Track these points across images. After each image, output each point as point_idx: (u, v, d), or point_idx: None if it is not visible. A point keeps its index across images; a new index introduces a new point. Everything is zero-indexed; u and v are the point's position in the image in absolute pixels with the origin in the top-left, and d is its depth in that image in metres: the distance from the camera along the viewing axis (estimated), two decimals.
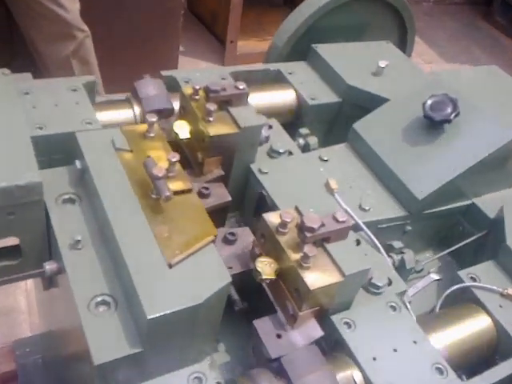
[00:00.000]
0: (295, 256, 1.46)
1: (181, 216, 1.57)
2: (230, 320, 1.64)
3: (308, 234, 1.44)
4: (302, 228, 1.45)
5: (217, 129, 1.82)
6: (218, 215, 1.89)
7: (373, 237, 1.81)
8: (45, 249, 1.75)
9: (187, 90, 1.93)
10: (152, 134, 1.80)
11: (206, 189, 1.83)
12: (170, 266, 1.43)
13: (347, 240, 1.54)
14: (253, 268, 1.51)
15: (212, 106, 1.81)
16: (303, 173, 1.99)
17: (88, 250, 1.56)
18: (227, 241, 1.71)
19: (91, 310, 1.42)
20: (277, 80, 2.52)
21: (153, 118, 1.76)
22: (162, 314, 1.31)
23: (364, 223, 1.84)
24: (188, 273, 1.42)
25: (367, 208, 1.90)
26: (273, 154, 2.07)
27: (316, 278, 1.42)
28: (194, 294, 1.37)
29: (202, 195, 1.81)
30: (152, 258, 1.44)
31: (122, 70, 5.26)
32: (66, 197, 1.71)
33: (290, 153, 2.12)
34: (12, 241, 1.75)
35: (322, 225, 1.46)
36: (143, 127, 1.80)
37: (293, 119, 2.45)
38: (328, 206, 1.86)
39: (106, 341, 1.36)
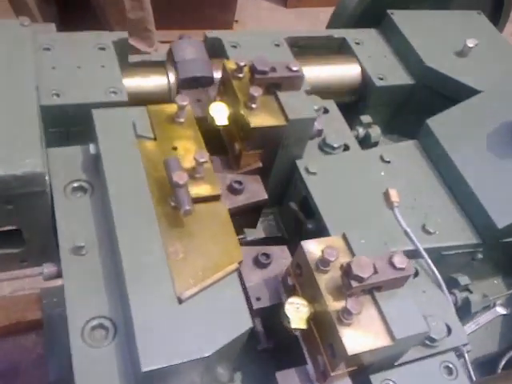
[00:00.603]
0: (335, 305, 1.17)
1: (202, 231, 1.30)
2: (251, 348, 1.40)
3: (354, 284, 1.14)
4: (348, 274, 1.15)
5: (260, 119, 1.50)
6: (249, 215, 1.61)
7: (434, 268, 1.49)
8: (51, 241, 1.53)
9: (230, 64, 1.59)
10: (182, 120, 1.50)
11: (239, 184, 1.54)
12: (180, 302, 1.17)
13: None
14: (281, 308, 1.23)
15: (256, 91, 1.48)
16: (359, 176, 1.66)
17: (92, 258, 1.32)
18: (259, 263, 1.42)
19: (85, 336, 1.20)
20: (341, 50, 2.13)
21: (184, 101, 1.45)
22: (159, 367, 1.07)
23: (426, 249, 1.51)
24: (200, 312, 1.16)
25: (432, 230, 1.56)
26: (325, 147, 1.74)
27: (357, 338, 1.14)
28: (203, 343, 1.12)
29: (233, 190, 1.52)
30: (160, 287, 1.18)
31: (177, 4, 4.93)
32: (77, 185, 1.46)
33: (346, 147, 1.78)
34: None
35: (375, 272, 1.16)
36: (172, 108, 1.50)
37: (354, 100, 2.08)
38: (385, 224, 1.55)
39: (95, 380, 1.15)
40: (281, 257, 1.47)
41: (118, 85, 1.68)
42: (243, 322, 1.17)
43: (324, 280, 1.21)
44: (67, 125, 1.64)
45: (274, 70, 1.53)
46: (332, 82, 2.01)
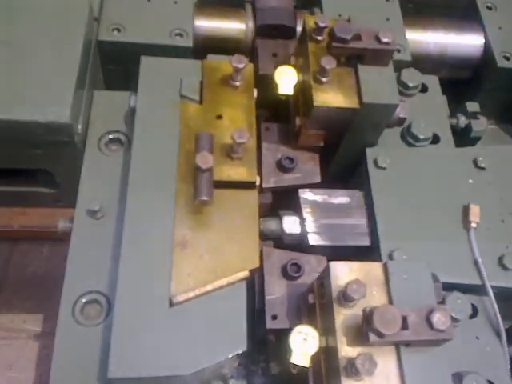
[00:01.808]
0: (347, 351, 0.97)
1: (221, 223, 1.13)
2: None
3: (372, 338, 0.93)
4: (368, 324, 0.93)
5: (327, 97, 1.25)
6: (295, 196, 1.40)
7: (498, 314, 1.21)
8: None
9: (310, 21, 1.32)
10: (237, 83, 1.29)
11: (290, 161, 1.33)
12: (171, 304, 1.04)
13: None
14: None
15: (329, 63, 1.22)
16: (438, 181, 1.36)
17: (106, 223, 1.21)
18: (287, 275, 1.23)
19: (76, 310, 1.11)
20: (465, 14, 1.73)
21: (239, 63, 1.24)
22: (128, 377, 0.97)
23: (495, 288, 1.23)
24: (191, 322, 1.03)
25: (510, 266, 1.25)
26: (408, 137, 1.44)
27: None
28: (184, 359, 0.99)
29: (281, 168, 1.32)
30: (154, 281, 1.05)
31: None
32: (113, 136, 1.34)
33: (436, 139, 1.47)
34: None
35: (403, 328, 0.93)
36: (229, 68, 1.29)
37: (465, 79, 1.70)
38: (452, 247, 1.27)
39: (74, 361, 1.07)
40: (315, 270, 1.26)
41: (186, 26, 1.50)
42: (237, 343, 1.02)
43: (343, 316, 1.00)
44: (126, 63, 1.51)
45: (357, 38, 1.25)
46: (443, 53, 1.66)
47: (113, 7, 1.50)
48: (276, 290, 1.22)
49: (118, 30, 1.47)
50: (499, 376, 1.17)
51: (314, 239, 1.29)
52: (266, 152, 1.36)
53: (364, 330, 0.95)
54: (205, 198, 1.07)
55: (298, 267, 1.22)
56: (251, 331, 1.31)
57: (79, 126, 1.30)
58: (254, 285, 1.24)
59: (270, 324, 1.18)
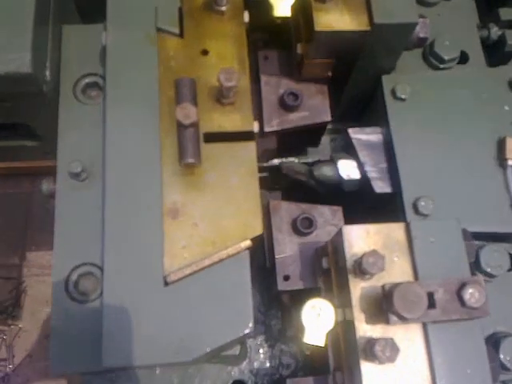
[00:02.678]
0: (366, 330, 0.85)
1: (216, 184, 0.97)
2: None
3: (393, 320, 0.79)
4: (388, 305, 0.80)
5: (331, 19, 1.03)
6: (305, 135, 1.23)
7: None
8: None
9: None
10: (222, 8, 1.07)
11: (295, 97, 1.14)
12: (166, 284, 0.91)
13: None
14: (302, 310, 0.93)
15: None
16: (468, 109, 1.16)
17: (91, 185, 1.06)
18: (298, 231, 1.09)
19: (70, 286, 1.01)
20: None
21: None
22: (122, 366, 0.87)
23: None
24: (189, 302, 0.90)
25: None
26: (432, 58, 1.22)
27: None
28: (183, 344, 0.88)
29: (285, 106, 1.14)
30: (143, 258, 0.92)
31: None
32: (90, 80, 1.15)
33: (464, 57, 1.24)
34: None
35: (430, 306, 0.80)
36: None
37: None
38: (486, 189, 1.11)
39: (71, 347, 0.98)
40: (330, 222, 1.12)
41: None
42: (242, 323, 0.90)
43: (360, 289, 0.87)
44: None
45: None
46: None
47: None
48: (287, 248, 1.09)
49: None
50: None
51: (378, 186, 1.14)
52: (265, 87, 1.17)
53: (384, 310, 0.81)
54: (191, 160, 0.90)
55: (309, 221, 1.08)
56: (266, 286, 1.21)
57: (47, 73, 1.11)
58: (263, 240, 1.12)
59: (281, 285, 1.07)
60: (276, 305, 1.30)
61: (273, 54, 1.21)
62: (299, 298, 1.06)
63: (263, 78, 1.18)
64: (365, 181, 1.16)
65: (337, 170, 1.16)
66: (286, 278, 1.05)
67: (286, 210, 1.11)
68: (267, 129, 1.13)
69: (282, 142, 1.21)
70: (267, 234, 1.11)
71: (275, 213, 1.11)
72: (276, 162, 1.30)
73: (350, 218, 1.11)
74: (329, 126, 1.32)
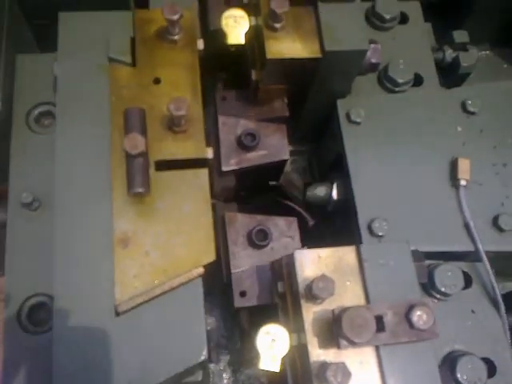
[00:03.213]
0: (319, 354, 0.85)
1: (168, 212, 0.97)
2: None
3: (343, 344, 0.80)
4: (338, 330, 0.80)
5: (282, 47, 1.05)
6: (263, 176, 1.24)
7: (494, 282, 1.07)
8: None
9: None
10: (175, 37, 1.08)
11: (252, 137, 1.15)
12: (117, 314, 0.90)
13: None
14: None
15: (281, 6, 1.00)
16: (421, 131, 1.18)
17: (44, 214, 1.06)
18: (253, 243, 1.09)
19: (23, 317, 1.00)
20: None
21: (173, 14, 1.02)
22: None
23: (490, 253, 1.09)
24: (141, 330, 0.89)
25: (506, 227, 1.10)
26: (386, 81, 1.24)
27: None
28: (135, 376, 0.87)
29: (243, 145, 1.14)
30: (94, 289, 0.91)
31: None
32: (43, 110, 1.15)
33: (418, 80, 1.27)
34: None
35: (379, 330, 0.80)
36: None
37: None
38: (439, 209, 1.12)
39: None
40: (285, 234, 1.12)
41: None
42: (196, 352, 0.89)
43: (312, 314, 0.87)
44: (54, 16, 1.28)
45: None
46: None
47: None
48: (243, 262, 1.09)
49: None
50: (498, 351, 1.05)
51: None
52: (223, 128, 1.17)
53: (334, 334, 0.81)
54: (139, 190, 0.90)
55: (264, 234, 1.09)
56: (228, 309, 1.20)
57: None
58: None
59: (238, 302, 1.06)
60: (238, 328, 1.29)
61: (231, 94, 1.21)
62: (257, 320, 1.05)
63: (221, 119, 1.18)
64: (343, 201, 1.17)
65: (330, 190, 1.17)
66: (243, 293, 1.05)
67: (242, 222, 1.11)
68: (225, 168, 1.14)
69: (242, 181, 1.21)
70: (223, 249, 1.11)
71: (231, 225, 1.11)
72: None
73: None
74: (289, 148, 1.32)
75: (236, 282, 1.06)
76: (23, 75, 1.18)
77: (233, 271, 1.07)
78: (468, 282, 1.09)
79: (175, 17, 1.02)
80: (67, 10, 1.15)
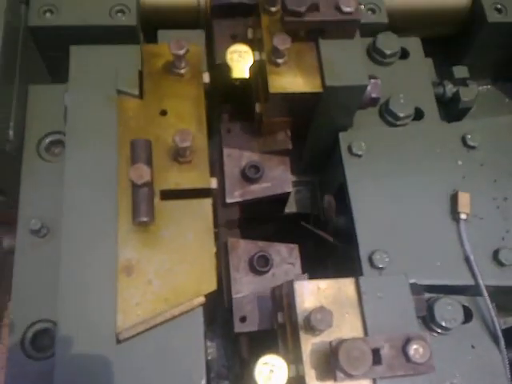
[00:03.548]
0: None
1: (171, 241, 0.99)
2: None
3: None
4: (335, 362, 0.80)
5: (284, 81, 1.08)
6: (266, 208, 1.26)
7: (495, 318, 1.08)
8: None
9: None
10: (181, 71, 1.12)
11: (256, 169, 1.17)
12: (119, 341, 0.91)
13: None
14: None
15: (283, 43, 1.04)
16: (422, 165, 1.20)
17: (52, 240, 1.09)
18: (254, 269, 1.11)
19: (26, 344, 1.01)
20: None
21: (179, 50, 1.06)
22: None
23: (490, 287, 1.09)
24: (141, 359, 0.91)
25: (506, 262, 1.11)
26: (387, 115, 1.27)
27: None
28: None
29: (246, 177, 1.17)
30: (96, 315, 0.93)
31: None
32: (54, 139, 1.19)
33: (419, 114, 1.29)
34: None
35: (376, 362, 0.80)
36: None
37: (452, 33, 1.51)
38: (439, 243, 1.13)
39: None
40: (286, 261, 1.14)
41: (128, 1, 1.30)
42: (194, 382, 0.90)
43: (311, 346, 0.88)
44: (67, 48, 1.32)
45: (315, 8, 1.06)
46: (425, 8, 1.45)
47: None
48: (244, 287, 1.10)
49: (51, 12, 1.28)
50: None
51: None
52: (227, 160, 1.20)
53: (332, 366, 0.82)
54: (143, 219, 0.93)
55: (265, 260, 1.11)
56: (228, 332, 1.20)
57: (10, 133, 1.15)
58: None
59: (238, 327, 1.07)
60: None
61: (235, 126, 1.24)
62: (257, 348, 1.06)
63: (225, 152, 1.21)
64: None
65: None
66: (243, 319, 1.06)
67: (244, 248, 1.13)
68: (229, 200, 1.16)
69: (245, 212, 1.23)
70: (225, 274, 1.12)
71: (233, 251, 1.13)
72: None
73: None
74: (293, 179, 1.35)
75: (237, 307, 1.07)
76: (35, 105, 1.22)
77: (234, 296, 1.08)
78: (468, 316, 1.09)
79: (181, 52, 1.05)
80: (78, 43, 1.20)
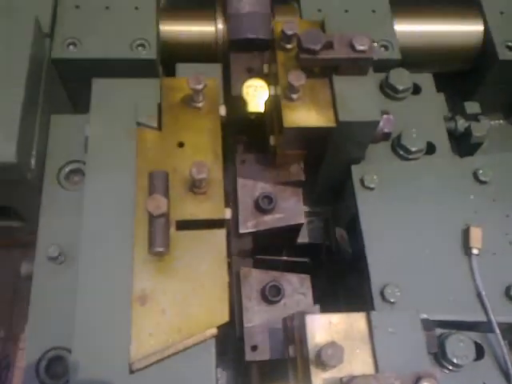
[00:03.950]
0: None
1: (186, 271, 1.01)
2: None
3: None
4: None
5: (299, 116, 1.10)
6: (279, 238, 1.27)
7: (507, 355, 1.07)
8: None
9: (277, 27, 1.17)
10: (199, 104, 1.15)
11: (269, 200, 1.19)
12: (132, 371, 0.92)
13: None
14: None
15: (298, 80, 1.07)
16: (434, 199, 1.21)
17: (69, 268, 1.11)
18: (266, 299, 1.12)
19: (41, 371, 1.03)
20: None
21: (197, 84, 1.09)
22: None
23: (502, 324, 1.09)
24: None
25: None
26: (399, 149, 1.29)
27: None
28: None
29: (260, 208, 1.19)
30: (110, 345, 0.94)
31: None
32: (74, 167, 1.22)
33: (431, 148, 1.31)
34: None
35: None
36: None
37: (464, 70, 1.53)
38: (451, 278, 1.13)
39: None
40: (298, 291, 1.15)
41: (148, 35, 1.36)
42: None
43: (322, 381, 0.88)
44: (89, 79, 1.36)
45: (329, 46, 1.09)
46: (437, 45, 1.48)
47: (67, 19, 1.36)
48: (255, 317, 1.11)
49: (74, 45, 1.33)
50: None
51: None
52: (241, 190, 1.21)
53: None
54: (159, 249, 0.95)
55: (277, 289, 1.11)
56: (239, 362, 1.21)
57: (32, 161, 1.18)
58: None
59: (249, 356, 1.08)
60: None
61: (249, 157, 1.26)
62: (267, 379, 1.07)
63: (240, 182, 1.22)
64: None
65: None
66: (254, 348, 1.06)
67: (256, 278, 1.14)
68: (242, 230, 1.17)
69: (258, 243, 1.25)
70: (237, 303, 1.13)
71: (245, 280, 1.14)
72: None
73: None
74: (306, 209, 1.36)
75: (248, 336, 1.08)
76: (56, 134, 1.25)
77: (245, 325, 1.09)
78: (480, 353, 1.09)
79: (199, 86, 1.09)
80: (100, 75, 1.24)
